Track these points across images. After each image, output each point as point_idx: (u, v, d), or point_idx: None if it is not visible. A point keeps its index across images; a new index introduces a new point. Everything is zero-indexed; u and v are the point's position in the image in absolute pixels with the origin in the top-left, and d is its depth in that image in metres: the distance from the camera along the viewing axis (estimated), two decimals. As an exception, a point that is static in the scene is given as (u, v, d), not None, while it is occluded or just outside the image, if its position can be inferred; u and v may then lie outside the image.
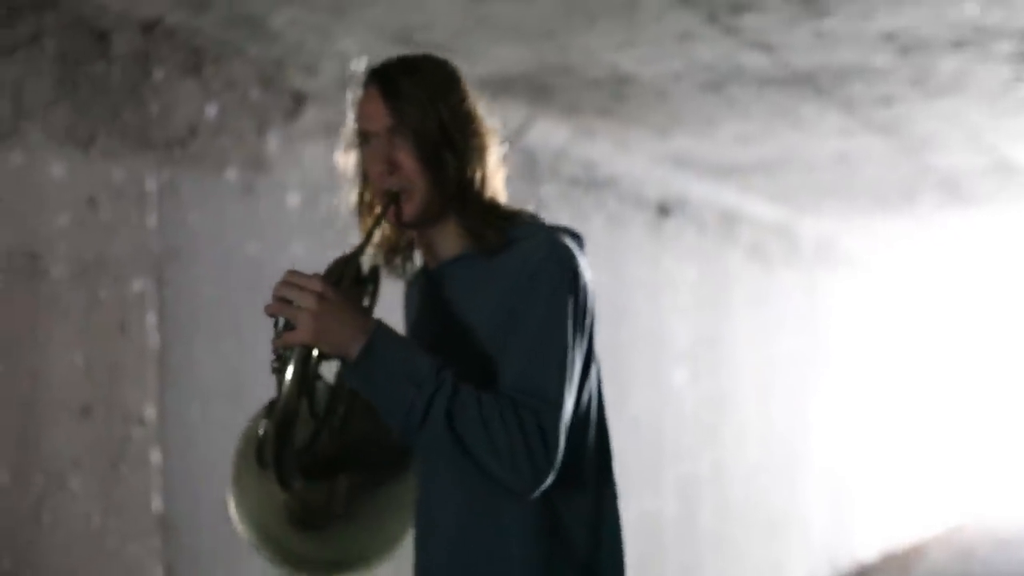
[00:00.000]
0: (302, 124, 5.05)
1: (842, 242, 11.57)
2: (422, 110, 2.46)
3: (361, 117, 2.54)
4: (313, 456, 2.51)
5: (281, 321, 2.35)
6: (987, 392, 16.38)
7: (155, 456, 4.37)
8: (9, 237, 3.96)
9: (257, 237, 4.84)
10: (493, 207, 2.54)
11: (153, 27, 4.41)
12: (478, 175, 2.51)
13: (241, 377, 4.73)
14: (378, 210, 2.52)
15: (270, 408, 2.39)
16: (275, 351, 2.37)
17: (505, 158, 2.61)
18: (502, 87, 5.71)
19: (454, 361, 2.41)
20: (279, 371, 2.36)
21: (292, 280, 2.34)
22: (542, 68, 5.43)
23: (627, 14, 4.67)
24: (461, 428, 2.31)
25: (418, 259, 2.72)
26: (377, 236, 2.60)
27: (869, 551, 11.99)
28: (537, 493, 2.38)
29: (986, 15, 4.74)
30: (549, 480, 2.36)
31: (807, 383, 10.78)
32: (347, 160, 2.64)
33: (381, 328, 2.36)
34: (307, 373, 2.36)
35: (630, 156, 7.33)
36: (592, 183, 7.28)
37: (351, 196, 2.64)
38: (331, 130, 5.07)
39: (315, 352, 2.35)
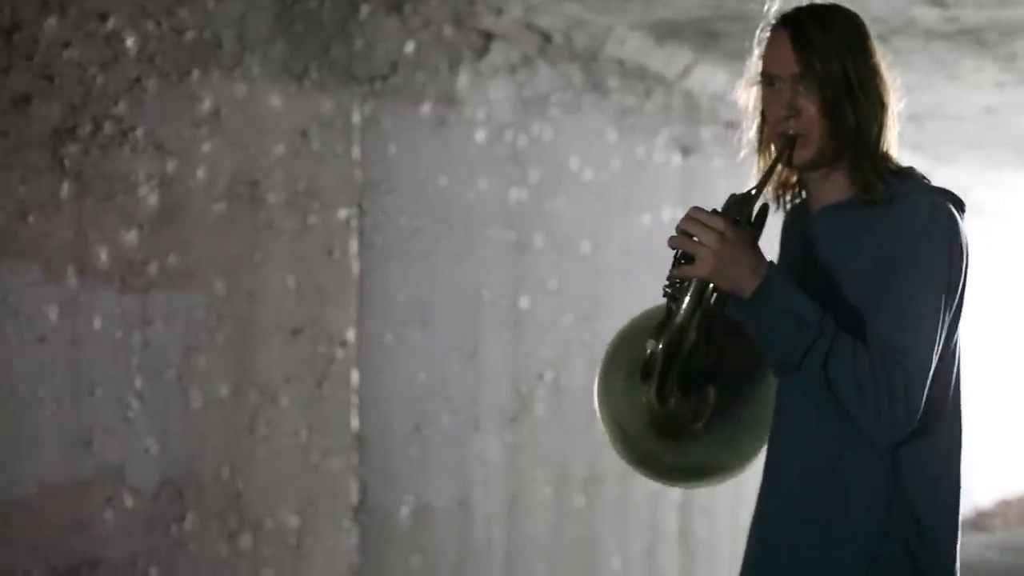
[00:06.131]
0: (489, 62, 5.21)
1: (974, 193, 11.57)
2: (829, 61, 2.53)
3: (768, 59, 2.63)
4: (687, 374, 2.67)
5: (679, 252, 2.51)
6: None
7: (354, 377, 4.57)
8: (233, 164, 4.17)
9: (446, 170, 5.01)
10: (884, 160, 2.61)
11: (362, -35, 4.59)
12: (874, 128, 2.58)
13: (429, 306, 4.93)
14: (775, 152, 2.64)
15: (659, 329, 2.56)
16: (671, 280, 2.53)
17: (899, 115, 2.67)
18: (672, 32, 5.83)
19: (817, 300, 2.54)
20: (673, 298, 2.53)
21: (696, 216, 2.48)
22: (718, 15, 5.54)
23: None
24: (834, 373, 2.45)
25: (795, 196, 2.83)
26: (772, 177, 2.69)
27: (985, 498, 12.05)
28: (892, 443, 2.52)
29: None
30: (904, 435, 2.49)
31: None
32: (747, 96, 2.73)
33: (773, 270, 2.48)
34: (700, 303, 2.52)
35: (783, 102, 7.40)
36: (747, 127, 7.38)
37: (750, 131, 2.74)
38: (515, 69, 5.24)
39: (710, 285, 2.52)
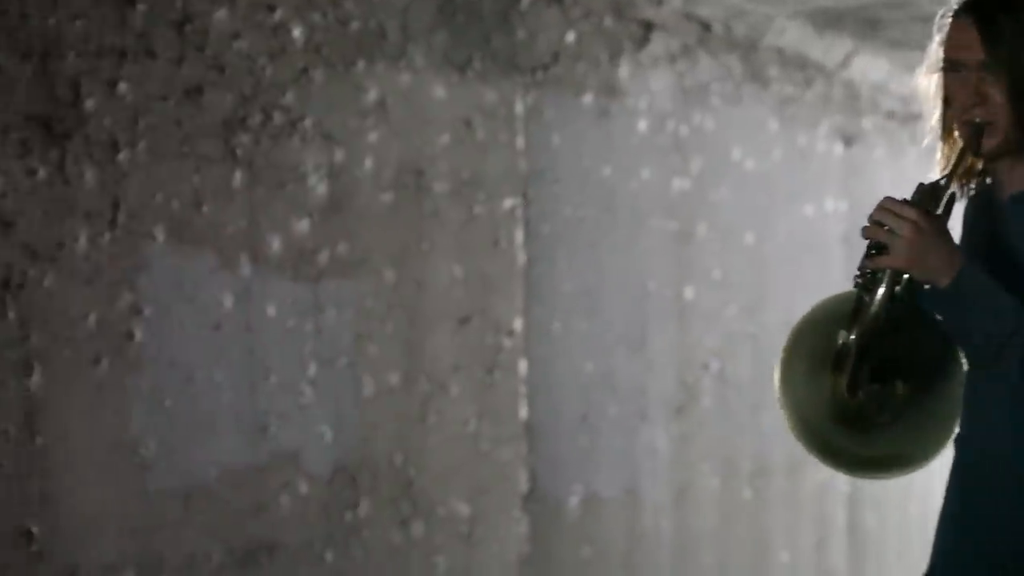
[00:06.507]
0: (650, 52, 5.19)
1: None
2: (1017, 48, 2.46)
3: (952, 46, 2.55)
4: (877, 365, 2.63)
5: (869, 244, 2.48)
6: None
7: (522, 366, 4.58)
8: (399, 154, 4.20)
9: (610, 160, 5.00)
10: None
11: (523, -44, 4.61)
12: None
13: (595, 295, 4.92)
14: (959, 139, 2.58)
15: (852, 319, 2.54)
16: (863, 270, 2.50)
17: None
18: (831, 20, 5.77)
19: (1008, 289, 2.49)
20: (866, 289, 2.50)
21: (889, 207, 2.43)
22: (879, 2, 5.47)
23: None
24: None
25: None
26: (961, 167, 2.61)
27: None
28: None
29: None
30: None
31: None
32: (928, 82, 2.66)
33: (969, 261, 2.44)
34: (893, 294, 2.48)
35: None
36: (909, 117, 7.29)
37: (932, 117, 2.68)
38: (675, 59, 5.22)
39: (904, 276, 2.47)
